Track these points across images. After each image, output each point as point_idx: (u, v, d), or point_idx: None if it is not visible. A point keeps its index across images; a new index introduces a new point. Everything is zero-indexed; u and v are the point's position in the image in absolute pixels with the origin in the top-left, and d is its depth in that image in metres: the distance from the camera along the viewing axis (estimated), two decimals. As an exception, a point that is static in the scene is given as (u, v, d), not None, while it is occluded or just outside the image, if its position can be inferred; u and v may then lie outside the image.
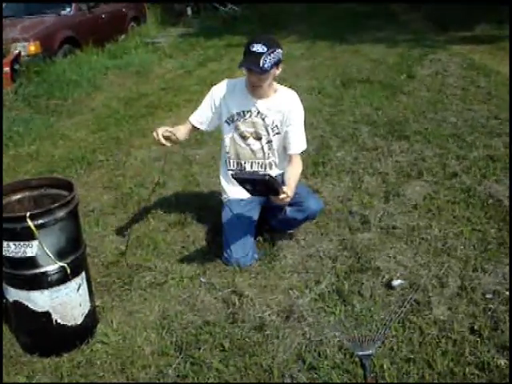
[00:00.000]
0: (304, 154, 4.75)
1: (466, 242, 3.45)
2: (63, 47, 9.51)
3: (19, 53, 8.36)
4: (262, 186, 2.94)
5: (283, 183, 3.20)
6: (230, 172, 3.27)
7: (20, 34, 9.02)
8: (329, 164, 4.68)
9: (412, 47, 9.22)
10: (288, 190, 3.03)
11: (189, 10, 14.73)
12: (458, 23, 10.61)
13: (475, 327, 2.71)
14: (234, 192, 3.47)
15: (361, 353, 2.58)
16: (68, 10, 10.18)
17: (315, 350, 2.63)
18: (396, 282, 3.06)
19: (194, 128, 3.55)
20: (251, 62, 3.09)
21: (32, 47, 8.80)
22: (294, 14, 13.37)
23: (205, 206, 4.10)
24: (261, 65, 3.06)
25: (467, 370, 2.46)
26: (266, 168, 3.50)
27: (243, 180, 3.01)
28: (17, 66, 8.06)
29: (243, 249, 3.36)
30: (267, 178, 2.84)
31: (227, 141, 3.47)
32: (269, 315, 2.89)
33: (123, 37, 11.58)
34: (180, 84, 8.12)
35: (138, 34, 11.95)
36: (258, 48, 3.07)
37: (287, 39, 10.69)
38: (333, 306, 2.93)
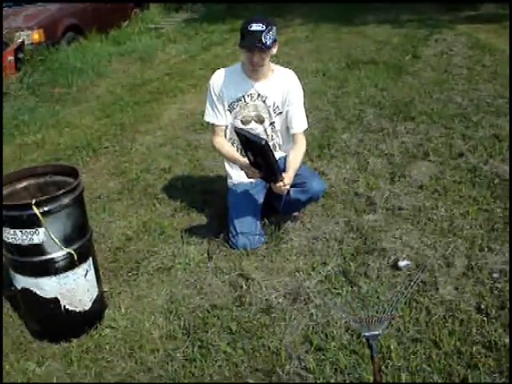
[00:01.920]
0: (309, 137, 4.78)
1: (473, 222, 3.44)
2: (67, 35, 9.46)
3: (23, 41, 8.34)
4: (260, 155, 2.99)
5: (284, 168, 3.21)
6: (235, 128, 3.25)
7: (23, 22, 8.98)
8: (334, 146, 4.67)
9: (417, 27, 9.15)
10: (286, 178, 3.07)
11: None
12: (462, 2, 10.50)
13: (482, 306, 2.71)
14: (239, 176, 3.47)
15: (368, 333, 2.56)
16: (71, -3, 10.15)
17: (322, 332, 2.64)
18: (402, 263, 3.07)
19: (220, 127, 3.48)
20: (253, 40, 3.09)
21: (35, 35, 8.77)
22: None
23: (210, 191, 4.11)
24: (264, 41, 3.07)
25: (474, 349, 2.47)
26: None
27: (243, 138, 3.06)
28: (21, 55, 8.04)
29: (249, 231, 3.37)
30: (263, 142, 2.88)
31: (229, 128, 3.46)
32: (275, 298, 2.91)
33: (126, 23, 11.53)
34: (184, 69, 8.09)
35: (141, 20, 11.88)
36: (256, 27, 3.08)
37: (291, 22, 10.63)
38: (339, 287, 2.93)
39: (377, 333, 2.57)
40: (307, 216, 3.63)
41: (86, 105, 6.83)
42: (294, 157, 3.30)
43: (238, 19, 11.24)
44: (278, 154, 3.45)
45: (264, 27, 3.08)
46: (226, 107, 3.39)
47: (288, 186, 3.12)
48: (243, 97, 3.35)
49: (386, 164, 4.30)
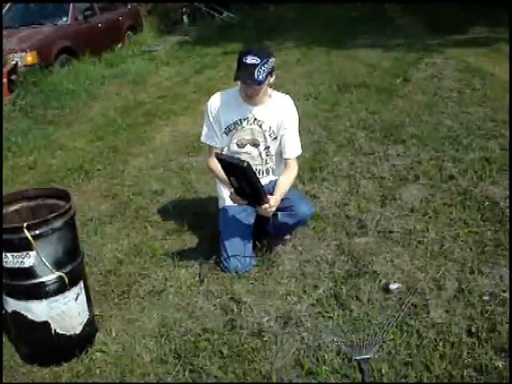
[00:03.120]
0: (300, 160, 4.80)
1: (463, 245, 3.46)
2: (60, 57, 9.52)
3: (16, 63, 8.39)
4: (243, 179, 3.01)
5: (273, 191, 3.25)
6: (216, 155, 3.21)
7: (17, 44, 9.04)
8: (325, 169, 4.70)
9: (407, 51, 9.25)
10: (272, 200, 3.13)
11: (185, 18, 14.79)
12: (452, 26, 10.65)
13: (473, 329, 2.71)
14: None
15: (359, 357, 2.58)
16: (64, 19, 10.23)
17: (313, 355, 2.64)
18: (393, 286, 3.07)
19: (216, 149, 3.48)
20: (246, 74, 3.12)
21: (29, 58, 8.81)
22: (289, 21, 13.40)
23: (202, 213, 4.11)
24: (255, 77, 3.11)
25: (465, 372, 2.47)
26: (263, 174, 3.51)
27: (225, 163, 3.06)
28: (14, 77, 8.08)
29: (240, 253, 3.37)
30: (245, 164, 2.89)
31: (225, 150, 3.48)
32: (267, 321, 2.90)
33: (120, 46, 11.61)
34: (177, 92, 8.14)
35: (134, 42, 11.99)
36: (251, 60, 3.11)
37: (283, 45, 10.73)
38: (331, 310, 2.93)
39: (368, 356, 2.59)
40: (298, 239, 3.64)
41: (79, 127, 6.84)
42: (283, 181, 3.33)
43: (231, 42, 11.40)
44: (269, 178, 3.50)
45: (258, 60, 3.10)
46: (223, 130, 3.41)
47: (273, 209, 3.15)
48: (240, 120, 3.38)
49: (377, 187, 4.33)
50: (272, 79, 3.26)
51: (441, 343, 2.65)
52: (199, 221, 4.00)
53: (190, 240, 3.80)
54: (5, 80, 7.74)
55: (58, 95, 7.90)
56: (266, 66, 3.13)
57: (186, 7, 14.90)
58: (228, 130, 3.41)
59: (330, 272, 3.28)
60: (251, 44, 3.44)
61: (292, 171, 3.40)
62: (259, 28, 12.36)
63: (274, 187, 3.33)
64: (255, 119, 3.36)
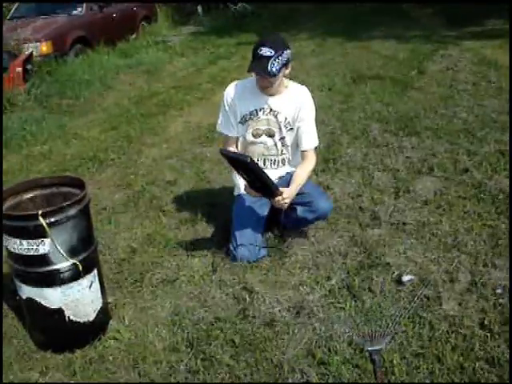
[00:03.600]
0: (315, 151, 4.81)
1: (477, 238, 3.44)
2: (75, 47, 9.59)
3: (31, 53, 8.43)
4: (250, 172, 3.02)
5: (289, 183, 3.25)
6: (220, 150, 3.19)
7: (32, 34, 9.10)
8: (339, 160, 4.69)
9: (423, 43, 9.19)
10: (285, 193, 3.12)
11: (199, 9, 14.76)
12: (468, 18, 10.56)
13: (485, 322, 2.71)
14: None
15: (370, 348, 2.59)
16: (79, 9, 10.28)
17: (325, 346, 2.64)
18: (406, 278, 3.07)
19: (231, 138, 3.50)
20: (260, 66, 3.10)
21: (44, 47, 8.89)
22: (304, 12, 13.35)
23: (216, 203, 4.12)
24: (269, 69, 3.08)
25: (477, 365, 2.46)
26: (278, 164, 3.52)
27: (230, 158, 3.08)
28: (29, 66, 8.12)
29: (250, 243, 3.38)
30: (248, 159, 2.88)
31: (240, 140, 3.48)
32: (279, 311, 2.91)
33: (134, 36, 11.64)
34: (191, 82, 8.14)
35: (148, 33, 12.02)
36: (265, 51, 3.08)
37: (297, 36, 10.69)
38: (343, 301, 2.94)
39: (380, 347, 2.59)
40: (311, 230, 3.63)
41: (93, 116, 6.87)
42: (299, 173, 3.33)
43: (245, 33, 11.38)
44: (285, 169, 3.49)
45: (273, 52, 3.08)
46: (238, 119, 3.40)
47: (288, 201, 3.15)
48: (256, 111, 3.37)
49: (391, 179, 4.31)
50: (288, 71, 3.24)
51: (453, 335, 2.65)
52: (212, 211, 4.01)
53: (203, 230, 3.81)
54: (20, 69, 7.77)
55: (72, 85, 7.94)
56: (280, 58, 3.10)
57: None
58: (244, 120, 3.40)
59: (343, 263, 3.28)
60: (266, 35, 3.39)
61: (309, 163, 3.40)
62: (273, 19, 12.33)
63: (291, 178, 3.34)
64: (271, 110, 3.35)
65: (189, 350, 2.72)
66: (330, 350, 2.61)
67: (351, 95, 6.59)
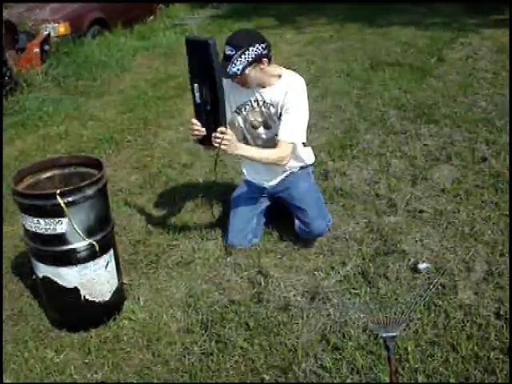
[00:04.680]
0: (331, 137, 4.79)
1: (494, 227, 3.41)
2: (92, 28, 9.55)
3: (49, 34, 8.43)
4: (205, 75, 2.68)
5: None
6: (186, 38, 2.81)
7: (50, 15, 9.09)
8: (356, 147, 4.65)
9: (442, 30, 9.06)
10: (229, 135, 2.82)
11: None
12: (489, 6, 10.39)
13: (501, 312, 2.70)
14: (249, 174, 3.53)
15: (385, 334, 2.56)
16: (97, -10, 10.22)
17: (339, 331, 2.65)
18: (422, 266, 3.05)
19: None
20: (222, 66, 2.88)
21: (61, 28, 8.87)
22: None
23: (231, 188, 4.09)
24: (228, 69, 2.92)
25: (492, 354, 2.46)
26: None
27: (190, 44, 2.73)
28: (46, 47, 8.12)
29: (242, 229, 3.40)
30: (211, 41, 2.60)
31: (239, 131, 3.38)
32: (294, 296, 2.92)
33: (151, 18, 11.59)
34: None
35: (166, 15, 11.95)
36: (227, 50, 2.94)
37: (316, 21, 10.60)
38: (358, 287, 2.94)
39: (394, 334, 2.56)
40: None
41: (110, 98, 6.87)
42: (263, 150, 3.15)
43: (263, 17, 11.29)
44: (280, 168, 3.34)
45: (233, 51, 2.92)
46: (234, 109, 3.27)
47: (225, 143, 2.82)
48: (250, 101, 3.23)
49: (408, 166, 4.28)
50: (263, 65, 3.03)
51: (468, 324, 2.64)
52: (228, 194, 3.99)
53: (218, 213, 3.81)
54: (37, 50, 7.78)
55: (89, 66, 7.93)
56: (243, 56, 2.92)
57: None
58: (240, 111, 3.27)
59: (359, 249, 3.27)
60: (236, 30, 3.15)
61: (277, 152, 3.11)
62: (292, 3, 12.21)
63: (287, 186, 3.37)
64: (264, 102, 3.20)
65: (203, 332, 2.74)
66: (344, 336, 2.62)
67: (369, 81, 6.52)
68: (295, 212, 3.36)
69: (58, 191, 2.54)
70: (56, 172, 2.97)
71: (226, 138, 2.82)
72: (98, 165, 2.85)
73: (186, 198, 4.07)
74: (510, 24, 7.87)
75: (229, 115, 3.16)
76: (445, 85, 6.23)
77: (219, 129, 2.80)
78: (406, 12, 10.62)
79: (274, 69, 3.17)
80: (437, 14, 10.38)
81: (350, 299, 2.85)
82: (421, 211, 3.63)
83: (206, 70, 2.68)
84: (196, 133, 2.89)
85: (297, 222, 3.34)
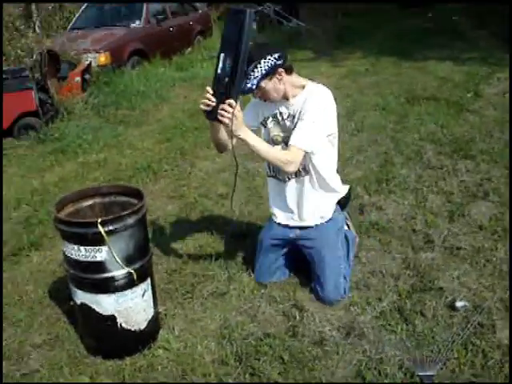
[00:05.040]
0: (367, 171, 4.78)
1: (533, 266, 3.36)
2: (132, 59, 9.80)
3: (90, 63, 8.67)
4: (234, 46, 2.61)
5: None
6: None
7: (91, 45, 9.37)
8: (392, 181, 4.64)
9: (479, 65, 9.04)
10: (236, 110, 2.67)
11: (254, 26, 14.88)
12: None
13: (541, 353, 2.64)
14: (277, 216, 3.41)
15: (422, 373, 2.55)
16: (137, 22, 10.49)
17: (375, 368, 2.61)
18: (459, 304, 3.01)
19: None
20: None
21: (102, 58, 9.12)
22: (357, 30, 13.28)
23: (266, 219, 4.11)
24: (243, 86, 2.84)
25: (532, 396, 2.41)
26: (297, 175, 3.21)
27: (231, 12, 2.71)
28: (87, 76, 8.34)
29: (268, 270, 3.39)
30: (248, 10, 2.58)
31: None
32: (329, 330, 2.90)
33: (189, 50, 11.81)
34: (244, 97, 8.16)
35: (203, 47, 12.16)
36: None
37: (352, 55, 10.68)
38: (394, 324, 2.90)
39: (431, 373, 2.55)
40: (363, 250, 3.61)
41: (148, 128, 7.00)
42: (270, 147, 3.04)
43: (299, 50, 11.40)
44: (307, 190, 3.22)
45: (251, 66, 2.87)
46: (261, 120, 3.22)
47: (225, 114, 2.67)
48: (274, 115, 3.16)
49: (445, 202, 4.25)
50: (281, 77, 2.97)
51: (506, 365, 2.58)
52: (263, 226, 4.01)
53: (254, 244, 3.81)
54: (78, 79, 8.00)
55: (128, 96, 8.11)
56: (255, 70, 2.89)
57: (255, 14, 15.01)
58: (265, 123, 3.21)
59: (395, 285, 3.24)
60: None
61: (285, 154, 2.99)
62: (327, 36, 12.33)
63: (308, 249, 3.27)
64: (288, 114, 3.10)
65: (237, 363, 2.73)
66: (380, 373, 2.58)
67: (405, 116, 6.53)
68: (312, 275, 3.27)
69: (100, 220, 2.59)
70: (97, 200, 3.03)
71: (234, 112, 2.67)
72: (138, 194, 2.90)
73: (221, 229, 4.09)
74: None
75: (256, 125, 3.19)
76: (481, 120, 6.20)
77: (228, 100, 2.66)
78: (443, 46, 10.62)
79: (298, 79, 3.10)
80: (474, 48, 10.37)
81: (386, 336, 2.82)
82: (458, 248, 3.59)
83: (235, 39, 2.61)
84: (206, 101, 2.73)
85: (312, 283, 3.26)
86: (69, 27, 11.18)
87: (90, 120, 7.28)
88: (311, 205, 3.24)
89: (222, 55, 2.67)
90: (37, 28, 11.76)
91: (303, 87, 3.08)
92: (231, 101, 2.66)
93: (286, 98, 3.08)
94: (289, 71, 3.03)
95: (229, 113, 2.67)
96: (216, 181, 5.02)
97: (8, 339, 3.10)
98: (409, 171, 4.86)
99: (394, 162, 5.08)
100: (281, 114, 3.14)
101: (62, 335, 3.09)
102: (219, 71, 2.69)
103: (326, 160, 3.19)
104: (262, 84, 2.95)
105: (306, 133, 2.97)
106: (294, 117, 3.07)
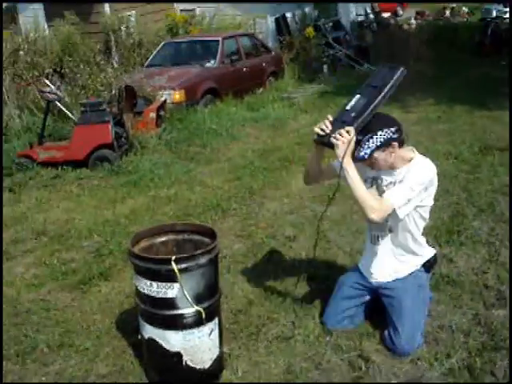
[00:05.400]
0: (438, 221, 4.69)
1: None
2: (205, 97, 10.03)
3: (165, 100, 8.93)
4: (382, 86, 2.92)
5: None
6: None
7: (167, 82, 9.66)
8: (464, 233, 4.53)
9: (557, 116, 8.81)
10: (351, 131, 2.83)
11: (325, 68, 15.01)
12: None
13: None
14: (362, 265, 3.44)
15: None
16: (212, 62, 10.77)
17: (442, 428, 2.54)
18: (533, 365, 2.90)
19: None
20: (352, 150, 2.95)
21: (177, 95, 9.38)
22: (429, 77, 13.18)
23: (334, 265, 4.11)
24: (356, 154, 2.95)
25: None
26: (382, 231, 3.26)
27: (382, 66, 3.03)
28: (162, 113, 8.59)
29: (337, 316, 3.36)
30: (403, 69, 2.90)
31: None
32: (395, 384, 2.84)
33: (261, 90, 12.00)
34: (314, 140, 8.22)
35: (275, 88, 12.33)
36: (356, 135, 2.93)
37: (423, 101, 10.59)
38: (463, 382, 2.81)
39: None
40: (433, 304, 3.52)
41: (218, 165, 7.12)
42: (365, 189, 3.01)
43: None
44: (388, 251, 3.27)
45: (361, 136, 2.92)
46: (364, 178, 3.19)
47: (339, 138, 2.83)
48: (374, 178, 3.22)
49: (519, 257, 4.12)
50: (390, 150, 3.02)
51: None
52: (330, 272, 3.99)
53: (321, 289, 3.79)
54: (154, 115, 8.24)
55: (200, 133, 8.30)
56: (371, 140, 2.94)
57: (327, 57, 15.17)
58: (365, 181, 3.18)
59: (465, 342, 3.15)
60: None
61: (376, 200, 3.01)
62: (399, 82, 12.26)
63: (387, 298, 3.25)
64: (390, 182, 3.15)
65: (300, 411, 2.70)
66: (447, 434, 2.51)
67: (478, 166, 6.40)
68: (388, 322, 3.21)
69: (174, 257, 2.64)
70: (171, 237, 3.10)
71: (348, 138, 2.83)
72: (211, 234, 2.95)
73: (288, 271, 4.09)
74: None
75: None
76: (558, 174, 6.00)
77: (347, 127, 2.82)
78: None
79: (407, 153, 3.15)
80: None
81: (454, 394, 2.74)
82: (532, 306, 3.47)
83: (377, 86, 2.86)
84: (323, 126, 2.95)
85: (386, 331, 3.20)
86: (146, 64, 11.59)
87: (163, 155, 7.46)
88: (391, 265, 3.29)
89: (358, 96, 2.93)
90: (115, 63, 12.27)
91: (410, 160, 3.13)
92: (350, 128, 2.84)
93: (391, 168, 3.14)
94: (401, 145, 3.09)
95: (344, 138, 2.83)
96: (284, 222, 5.03)
97: (74, 367, 3.18)
98: (481, 223, 4.74)
99: (466, 213, 4.97)
100: (382, 179, 3.18)
101: (127, 367, 3.14)
102: (348, 107, 2.94)
103: (414, 227, 3.23)
104: (375, 154, 3.02)
105: (401, 193, 3.01)
106: (394, 184, 3.12)
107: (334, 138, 2.86)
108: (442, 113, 9.53)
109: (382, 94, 2.89)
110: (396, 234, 3.22)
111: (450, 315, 3.41)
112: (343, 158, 2.87)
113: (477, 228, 4.64)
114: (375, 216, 2.96)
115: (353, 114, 2.89)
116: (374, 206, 2.96)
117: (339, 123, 2.90)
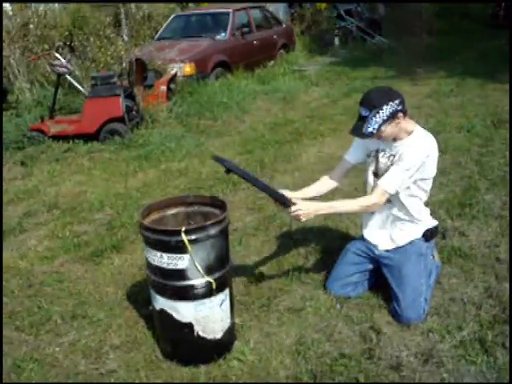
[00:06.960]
0: (450, 194, 4.66)
1: None
2: (215, 70, 9.98)
3: (175, 73, 8.88)
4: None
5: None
6: (214, 157, 3.18)
7: (177, 55, 9.60)
8: (476, 206, 4.50)
9: None
10: (298, 205, 3.02)
11: (336, 40, 14.88)
12: None
13: None
14: (366, 233, 3.45)
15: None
16: (223, 35, 10.69)
17: (453, 398, 2.55)
18: (544, 339, 2.89)
19: (344, 161, 3.49)
20: (356, 126, 3.08)
21: (187, 68, 9.32)
22: (441, 50, 13.02)
23: (345, 236, 4.10)
24: (363, 131, 3.04)
25: None
26: (383, 212, 3.32)
27: (226, 166, 3.02)
28: (172, 86, 8.56)
29: (340, 281, 3.41)
30: (226, 164, 2.96)
31: (365, 174, 3.40)
32: (406, 356, 2.84)
33: (272, 63, 11.92)
34: (325, 113, 8.19)
35: (286, 61, 12.25)
36: (361, 111, 3.06)
37: (435, 74, 10.49)
38: (474, 355, 2.81)
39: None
40: (445, 277, 3.51)
41: (229, 139, 7.10)
42: (344, 201, 3.26)
43: (381, 67, 11.31)
44: (391, 221, 3.32)
45: (368, 113, 3.02)
46: (367, 153, 3.34)
47: (301, 213, 3.03)
48: (377, 150, 3.26)
49: (532, 231, 4.09)
50: (398, 121, 3.05)
51: None
52: (343, 244, 3.97)
53: (332, 262, 3.78)
54: (164, 88, 8.21)
55: (211, 106, 8.26)
56: (377, 115, 3.00)
57: (338, 29, 15.03)
58: (369, 155, 3.33)
59: (476, 314, 3.14)
60: (369, 89, 3.17)
61: (367, 198, 3.18)
62: (410, 54, 12.14)
63: (388, 266, 3.30)
64: (391, 155, 3.20)
65: (312, 381, 2.72)
66: (458, 404, 2.52)
67: (491, 139, 6.33)
68: (391, 291, 3.24)
69: (184, 228, 2.64)
70: (181, 209, 3.09)
71: (297, 211, 3.02)
72: (221, 205, 2.94)
73: (299, 244, 4.09)
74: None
75: (355, 157, 3.41)
76: None
77: (293, 208, 3.02)
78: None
79: (409, 125, 3.17)
80: None
81: (465, 366, 2.74)
82: (545, 280, 3.45)
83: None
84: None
85: (391, 302, 3.23)
86: (156, 37, 11.53)
87: (174, 129, 7.45)
88: (389, 233, 3.34)
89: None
90: (125, 36, 12.22)
91: (410, 133, 3.16)
92: (291, 208, 3.03)
93: (395, 139, 3.18)
94: (405, 115, 3.12)
95: (296, 212, 3.03)
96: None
97: (88, 337, 3.20)
98: (494, 197, 4.70)
99: (478, 187, 4.93)
100: (383, 150, 3.25)
101: (139, 338, 3.16)
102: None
103: (413, 197, 3.24)
104: (382, 128, 3.05)
105: (395, 178, 3.08)
106: (393, 157, 3.18)
107: (298, 217, 3.06)
108: (455, 86, 9.43)
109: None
110: (394, 204, 3.25)
111: (462, 288, 3.40)
112: (314, 215, 3.12)
113: (489, 201, 4.61)
114: (376, 208, 3.20)
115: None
116: (369, 203, 3.15)
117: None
